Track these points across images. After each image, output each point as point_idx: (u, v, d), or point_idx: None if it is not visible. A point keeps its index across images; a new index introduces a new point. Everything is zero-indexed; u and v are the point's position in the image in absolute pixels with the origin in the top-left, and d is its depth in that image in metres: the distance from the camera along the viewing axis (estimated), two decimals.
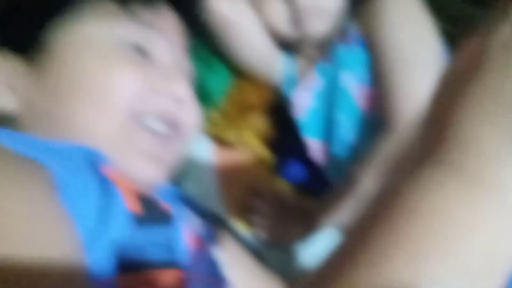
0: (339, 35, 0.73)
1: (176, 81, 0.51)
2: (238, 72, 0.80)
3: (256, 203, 0.76)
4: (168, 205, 0.45)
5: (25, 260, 0.29)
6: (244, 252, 0.62)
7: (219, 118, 0.80)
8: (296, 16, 0.70)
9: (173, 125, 0.51)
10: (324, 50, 0.75)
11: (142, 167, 0.48)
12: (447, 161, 0.23)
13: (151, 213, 0.42)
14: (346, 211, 0.68)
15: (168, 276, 0.39)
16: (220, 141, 0.80)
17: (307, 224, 0.73)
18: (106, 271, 0.36)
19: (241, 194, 0.78)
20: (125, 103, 0.47)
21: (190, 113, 0.53)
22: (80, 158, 0.42)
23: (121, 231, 0.38)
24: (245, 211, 0.77)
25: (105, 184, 0.39)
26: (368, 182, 0.65)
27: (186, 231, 0.46)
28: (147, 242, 0.40)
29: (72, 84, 0.47)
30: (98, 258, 0.36)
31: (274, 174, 0.81)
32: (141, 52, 0.50)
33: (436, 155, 0.23)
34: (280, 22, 0.72)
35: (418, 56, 0.67)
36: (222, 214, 0.74)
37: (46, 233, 0.33)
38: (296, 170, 0.81)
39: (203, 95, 0.70)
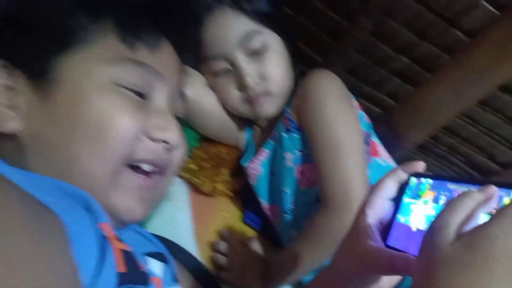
0: (283, 120, 0.81)
1: (169, 130, 0.53)
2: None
3: (222, 246, 0.83)
4: (144, 266, 0.46)
5: None
6: None
7: (195, 169, 0.88)
8: (249, 99, 0.80)
9: (161, 168, 0.54)
10: (274, 125, 0.84)
11: (129, 205, 0.50)
12: None
13: (132, 273, 0.42)
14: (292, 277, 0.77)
15: None
16: (195, 187, 0.88)
17: (265, 279, 0.81)
18: None
19: (212, 237, 0.85)
20: (120, 148, 0.48)
21: (179, 156, 0.56)
22: (84, 210, 0.42)
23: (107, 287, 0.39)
24: (213, 252, 0.83)
25: (103, 243, 0.40)
26: (306, 254, 0.72)
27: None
28: None
29: (74, 117, 0.47)
30: None
31: (240, 221, 0.91)
32: (141, 95, 0.51)
33: None
34: (236, 103, 0.82)
35: (343, 141, 0.72)
36: (194, 253, 0.80)
37: (71, 272, 0.34)
38: (256, 220, 0.91)
39: None
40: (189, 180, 0.88)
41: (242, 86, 0.79)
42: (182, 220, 0.86)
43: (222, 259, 0.82)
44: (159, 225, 0.81)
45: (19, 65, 0.48)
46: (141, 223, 0.76)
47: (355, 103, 0.84)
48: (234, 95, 0.81)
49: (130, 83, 0.50)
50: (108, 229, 0.42)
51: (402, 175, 0.47)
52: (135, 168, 0.51)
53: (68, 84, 0.48)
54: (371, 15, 0.95)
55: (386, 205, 0.47)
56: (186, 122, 0.85)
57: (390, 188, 0.47)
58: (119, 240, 0.43)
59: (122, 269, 0.40)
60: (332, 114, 0.73)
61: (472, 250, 0.31)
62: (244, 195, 0.92)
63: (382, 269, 0.44)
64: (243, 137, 0.92)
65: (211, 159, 0.90)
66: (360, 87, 1.05)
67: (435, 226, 0.36)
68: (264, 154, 0.85)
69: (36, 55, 0.48)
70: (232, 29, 0.76)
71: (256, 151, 0.88)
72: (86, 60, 0.49)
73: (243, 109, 0.83)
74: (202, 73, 0.84)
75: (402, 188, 0.47)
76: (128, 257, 0.42)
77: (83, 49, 0.49)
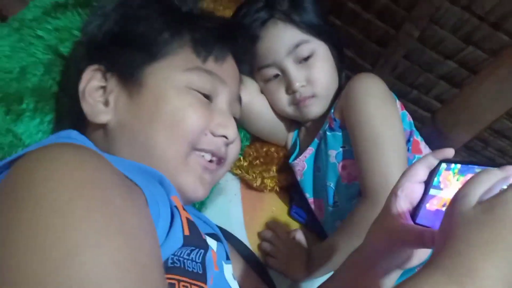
0: (327, 120, 0.86)
1: (229, 127, 0.62)
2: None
3: (270, 236, 0.90)
4: (202, 234, 0.53)
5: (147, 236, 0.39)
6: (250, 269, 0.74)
7: (246, 166, 0.96)
8: (296, 101, 0.87)
9: (219, 159, 0.63)
10: (318, 125, 0.89)
11: (193, 184, 0.59)
12: (444, 267, 0.35)
13: (195, 237, 0.49)
14: (334, 265, 0.80)
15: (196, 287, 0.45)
16: (246, 183, 0.96)
17: (308, 266, 0.86)
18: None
19: (260, 228, 0.92)
20: (191, 136, 0.58)
21: (234, 150, 0.66)
22: (159, 185, 0.51)
23: (175, 244, 0.46)
24: (261, 241, 0.91)
25: (173, 211, 0.48)
26: (348, 243, 0.76)
27: (213, 254, 0.53)
28: (188, 257, 0.46)
29: (155, 111, 0.57)
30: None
31: (287, 214, 0.97)
32: (207, 97, 0.61)
33: (439, 261, 0.36)
34: (285, 105, 0.89)
35: (384, 136, 0.76)
36: (245, 241, 0.87)
37: (152, 228, 0.42)
38: (301, 214, 0.97)
39: None
40: (241, 176, 0.96)
41: (290, 89, 0.86)
42: (234, 212, 0.93)
43: (269, 247, 0.89)
44: (215, 216, 0.85)
45: (114, 70, 0.60)
46: (199, 211, 0.86)
47: (398, 103, 0.87)
48: (283, 98, 0.88)
49: (200, 87, 0.60)
50: (177, 200, 0.50)
51: (432, 161, 0.50)
52: (199, 158, 0.61)
53: (152, 86, 0.58)
54: (417, 22, 0.99)
55: (417, 187, 0.51)
56: (239, 124, 0.93)
57: (420, 172, 0.51)
58: (185, 210, 0.51)
59: (187, 232, 0.47)
60: (373, 110, 0.78)
61: (490, 212, 0.36)
62: (290, 191, 0.99)
63: (411, 243, 0.48)
64: (290, 137, 0.99)
65: (261, 157, 0.97)
66: (408, 91, 1.09)
67: (459, 194, 0.41)
68: (309, 152, 0.92)
69: (131, 63, 0.59)
70: (283, 40, 0.84)
71: (302, 149, 0.94)
72: (167, 68, 0.59)
73: (290, 110, 0.90)
74: (256, 80, 0.92)
75: (433, 173, 0.50)
76: (192, 225, 0.49)
77: (165, 59, 0.60)
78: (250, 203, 0.95)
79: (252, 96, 0.90)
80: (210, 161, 0.62)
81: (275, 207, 0.97)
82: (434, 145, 0.93)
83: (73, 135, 0.55)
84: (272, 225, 0.92)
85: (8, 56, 0.73)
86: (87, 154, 0.41)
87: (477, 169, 0.45)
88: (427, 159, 0.51)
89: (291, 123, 0.97)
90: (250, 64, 0.89)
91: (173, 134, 0.57)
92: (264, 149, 0.99)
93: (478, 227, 0.36)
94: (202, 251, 0.48)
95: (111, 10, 0.64)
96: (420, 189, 0.51)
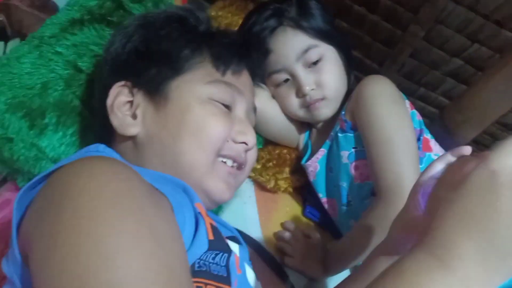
0: (338, 121, 0.88)
1: (248, 134, 0.67)
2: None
3: (286, 235, 0.92)
4: (224, 238, 0.55)
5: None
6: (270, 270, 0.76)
7: (260, 168, 0.98)
8: (306, 104, 0.89)
9: (241, 164, 0.67)
10: (330, 127, 0.92)
11: (220, 188, 0.63)
12: (430, 250, 0.37)
13: (219, 241, 0.51)
14: (350, 263, 0.83)
15: None
16: (260, 185, 0.98)
17: (325, 264, 0.88)
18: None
19: (276, 228, 0.94)
20: (216, 144, 0.62)
21: (253, 156, 0.70)
22: (184, 193, 0.54)
23: (201, 249, 0.48)
24: (278, 241, 0.92)
25: (198, 216, 0.51)
26: (363, 241, 0.77)
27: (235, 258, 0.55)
28: (213, 261, 0.48)
29: (181, 122, 0.61)
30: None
31: (301, 214, 0.99)
32: (227, 107, 0.65)
33: (424, 244, 0.37)
34: (296, 108, 0.92)
35: (395, 136, 0.78)
36: (261, 242, 0.89)
37: (179, 234, 0.45)
38: (315, 214, 0.99)
39: None
40: (255, 179, 0.98)
41: (300, 93, 0.89)
42: (250, 213, 0.95)
43: (286, 247, 0.91)
44: (231, 218, 0.87)
45: (140, 85, 0.63)
46: (216, 214, 0.88)
47: (407, 103, 0.89)
48: (294, 101, 0.91)
49: (220, 98, 0.64)
50: (201, 207, 0.53)
51: (450, 158, 0.52)
52: (223, 164, 0.65)
53: (177, 98, 0.62)
54: (422, 23, 1.00)
55: (434, 182, 0.51)
56: None
57: (438, 168, 0.52)
58: (209, 216, 0.53)
59: (211, 237, 0.50)
60: (383, 111, 0.80)
61: (456, 191, 0.39)
62: (304, 191, 1.01)
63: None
64: (302, 139, 1.02)
65: (273, 159, 1.00)
66: (415, 89, 1.10)
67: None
68: (321, 153, 0.94)
69: (156, 78, 0.63)
70: (292, 46, 0.86)
71: (314, 151, 0.96)
72: (190, 82, 0.63)
73: (301, 113, 0.92)
74: (267, 85, 0.94)
75: None
76: (215, 230, 0.52)
77: (188, 74, 0.64)
78: (265, 205, 0.97)
79: (263, 102, 0.92)
80: (232, 166, 0.66)
81: (289, 208, 0.99)
82: (443, 142, 0.94)
83: (101, 149, 0.58)
84: (288, 225, 0.95)
85: (30, 73, 0.76)
86: (118, 166, 0.45)
87: None
88: (445, 156, 0.53)
89: (302, 125, 0.99)
90: (260, 69, 0.91)
91: (199, 141, 0.61)
92: (277, 151, 1.01)
93: (449, 205, 0.38)
94: (226, 254, 0.51)
95: (134, 31, 0.67)
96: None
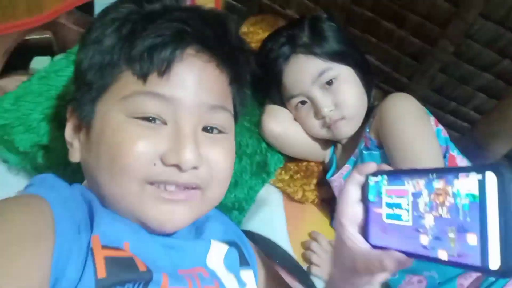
0: (363, 139, 0.90)
1: (182, 152, 0.52)
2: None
3: (314, 245, 0.93)
4: (143, 264, 0.48)
5: None
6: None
7: (288, 179, 1.00)
8: (326, 125, 0.91)
9: (191, 185, 0.54)
10: (354, 144, 0.93)
11: (159, 218, 0.52)
12: None
13: (114, 276, 0.45)
14: None
15: None
16: (288, 195, 1.00)
17: None
18: None
19: (303, 238, 0.96)
20: (133, 174, 0.51)
21: (203, 174, 0.55)
22: (84, 226, 0.49)
23: None
24: (305, 250, 0.94)
25: (87, 252, 0.46)
26: None
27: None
28: None
29: (100, 149, 0.53)
30: None
31: (328, 225, 1.01)
32: (155, 120, 0.53)
33: None
34: (317, 129, 0.94)
35: (421, 154, 0.78)
36: (288, 251, 0.90)
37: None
38: None
39: (264, 166, 0.95)
40: (283, 190, 1.01)
41: (319, 115, 0.91)
42: (278, 223, 0.97)
43: (312, 256, 0.92)
44: (260, 227, 0.93)
45: (75, 110, 0.58)
46: (240, 221, 0.92)
47: (432, 120, 0.90)
48: (314, 123, 0.93)
49: (142, 113, 0.52)
50: (96, 240, 0.47)
51: (359, 178, 0.49)
52: (160, 188, 0.53)
53: (98, 122, 0.55)
54: (451, 38, 1.01)
55: (357, 208, 0.48)
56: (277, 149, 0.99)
57: (353, 192, 0.49)
58: (109, 248, 0.48)
59: (101, 275, 0.45)
60: (409, 129, 0.81)
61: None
62: (331, 202, 1.03)
63: (375, 270, 0.45)
64: (327, 154, 1.04)
65: (301, 171, 1.02)
66: (446, 103, 1.10)
67: None
68: (346, 169, 0.96)
69: (80, 102, 0.57)
70: (306, 72, 0.89)
71: (339, 167, 0.98)
72: (107, 101, 0.54)
73: (323, 132, 0.94)
74: (288, 109, 0.97)
75: (364, 189, 0.48)
76: (115, 263, 0.46)
77: (107, 92, 0.54)
78: (293, 214, 0.99)
79: (285, 125, 0.95)
80: (175, 190, 0.54)
81: (316, 218, 1.01)
82: (473, 157, 0.94)
83: (47, 179, 0.57)
84: (315, 235, 0.96)
85: (66, 85, 0.80)
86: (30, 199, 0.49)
87: (404, 177, 0.43)
88: (353, 177, 0.50)
89: (327, 141, 1.01)
90: (280, 94, 0.94)
91: (114, 175, 0.52)
92: (304, 163, 1.04)
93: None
94: (141, 282, 0.47)
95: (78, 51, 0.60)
96: (360, 209, 0.49)
